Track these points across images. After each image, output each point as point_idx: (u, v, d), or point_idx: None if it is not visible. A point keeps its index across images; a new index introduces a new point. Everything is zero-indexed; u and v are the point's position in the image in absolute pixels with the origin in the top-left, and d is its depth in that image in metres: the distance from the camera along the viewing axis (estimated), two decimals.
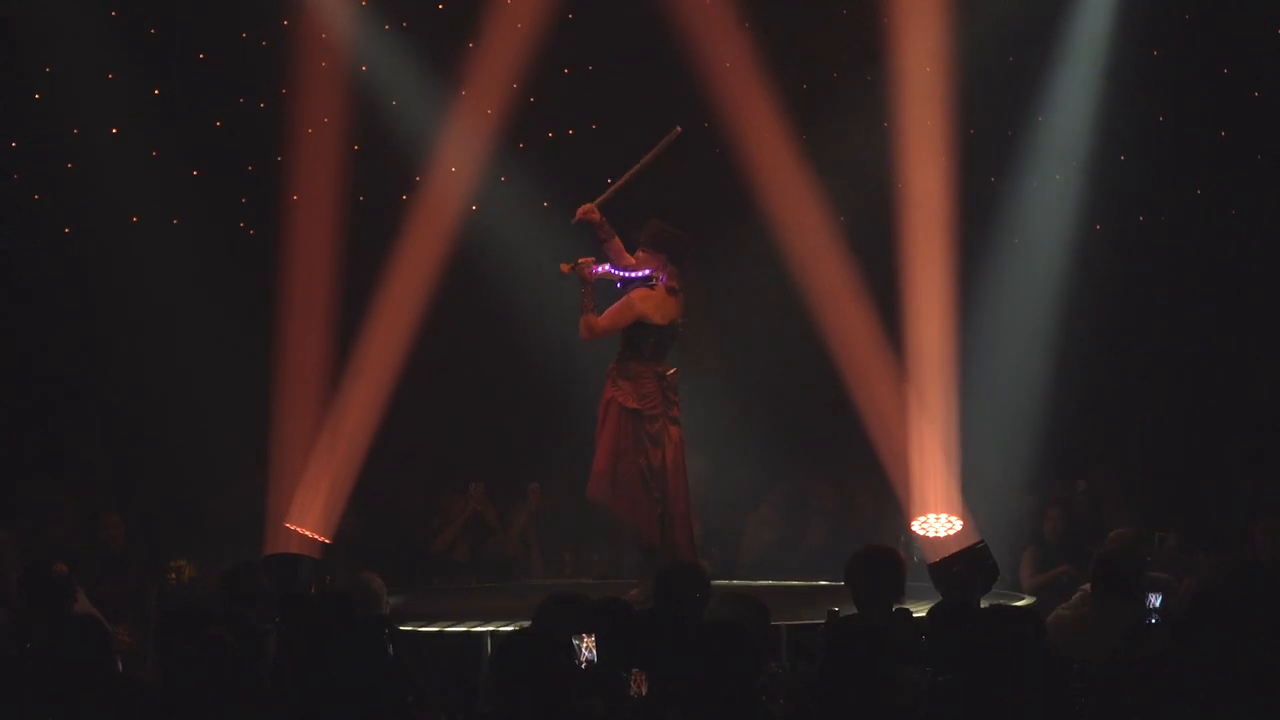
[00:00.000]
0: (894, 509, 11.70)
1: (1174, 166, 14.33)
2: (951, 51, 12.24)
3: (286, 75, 12.81)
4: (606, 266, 10.08)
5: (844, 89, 13.48)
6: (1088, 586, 8.26)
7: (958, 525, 10.78)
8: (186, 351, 13.26)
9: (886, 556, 7.30)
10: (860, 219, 13.14)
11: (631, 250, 10.11)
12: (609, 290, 10.16)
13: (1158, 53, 14.14)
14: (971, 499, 11.49)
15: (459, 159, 13.13)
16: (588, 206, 10.00)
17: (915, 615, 7.03)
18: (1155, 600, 7.13)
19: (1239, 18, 14.01)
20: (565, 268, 10.02)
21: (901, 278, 11.84)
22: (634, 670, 5.93)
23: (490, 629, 8.99)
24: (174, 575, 10.87)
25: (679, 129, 10.17)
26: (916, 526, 10.92)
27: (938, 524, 10.80)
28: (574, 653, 6.06)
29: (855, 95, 13.31)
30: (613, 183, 10.12)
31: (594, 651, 6.17)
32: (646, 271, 10.04)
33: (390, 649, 6.13)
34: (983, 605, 7.33)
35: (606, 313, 10.04)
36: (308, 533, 10.77)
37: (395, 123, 13.30)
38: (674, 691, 5.72)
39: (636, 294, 10.02)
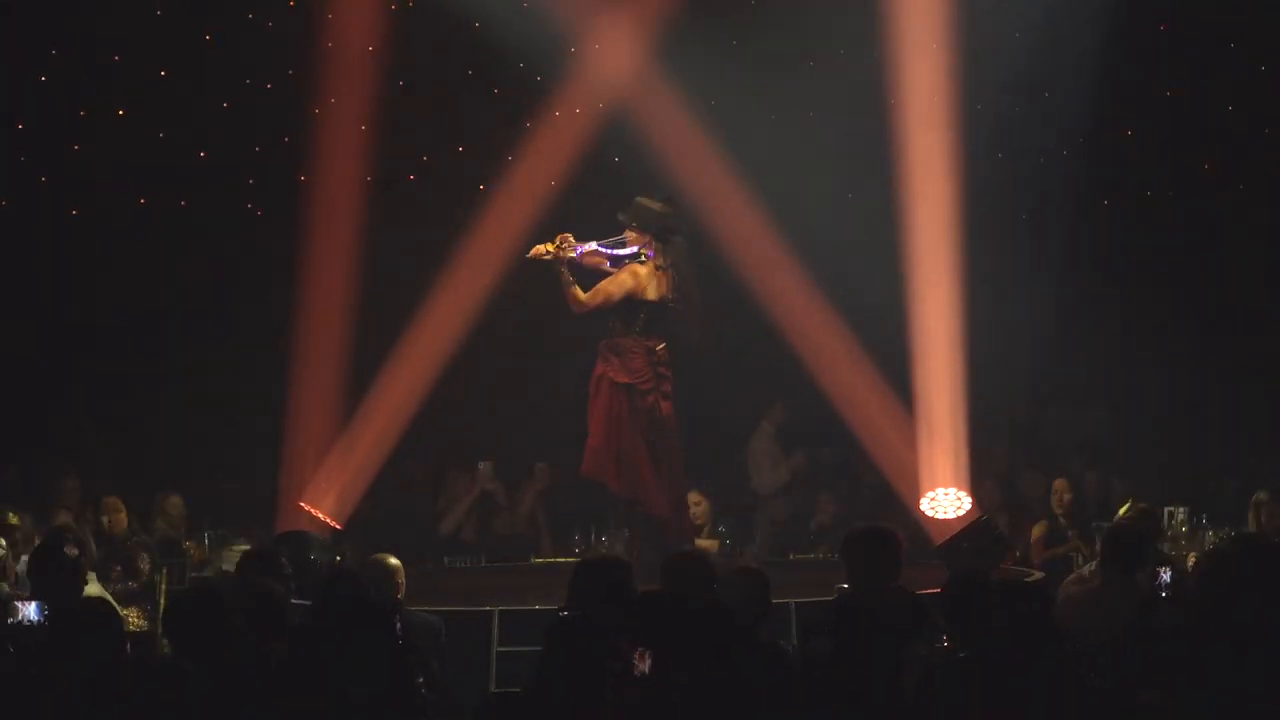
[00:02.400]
0: (903, 486, 11.70)
1: (1181, 141, 14.30)
2: (954, 26, 12.18)
3: (294, 56, 12.81)
4: (592, 245, 10.11)
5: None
6: (1094, 564, 8.26)
7: (967, 504, 10.78)
8: (198, 334, 13.28)
9: (881, 536, 7.29)
10: (865, 195, 13.09)
11: (619, 233, 10.17)
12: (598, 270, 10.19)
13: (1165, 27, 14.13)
14: (979, 475, 11.52)
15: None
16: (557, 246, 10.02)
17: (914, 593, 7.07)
18: (1165, 575, 7.11)
19: None
20: (550, 246, 10.03)
21: (906, 258, 11.82)
22: (638, 648, 5.93)
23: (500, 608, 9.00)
24: (185, 556, 10.90)
25: (663, 203, 10.19)
26: (925, 504, 10.92)
27: (946, 501, 10.80)
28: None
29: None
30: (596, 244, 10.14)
31: None
32: (635, 249, 10.10)
33: (400, 630, 6.15)
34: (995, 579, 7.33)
35: (597, 287, 10.09)
36: (320, 514, 10.78)
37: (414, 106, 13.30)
38: (678, 672, 5.72)
39: (627, 269, 10.12)
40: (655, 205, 10.22)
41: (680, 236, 10.27)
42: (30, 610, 6.86)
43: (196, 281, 13.42)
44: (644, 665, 5.80)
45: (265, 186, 13.58)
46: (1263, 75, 14.22)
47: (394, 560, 8.13)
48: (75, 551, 7.88)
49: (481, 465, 12.91)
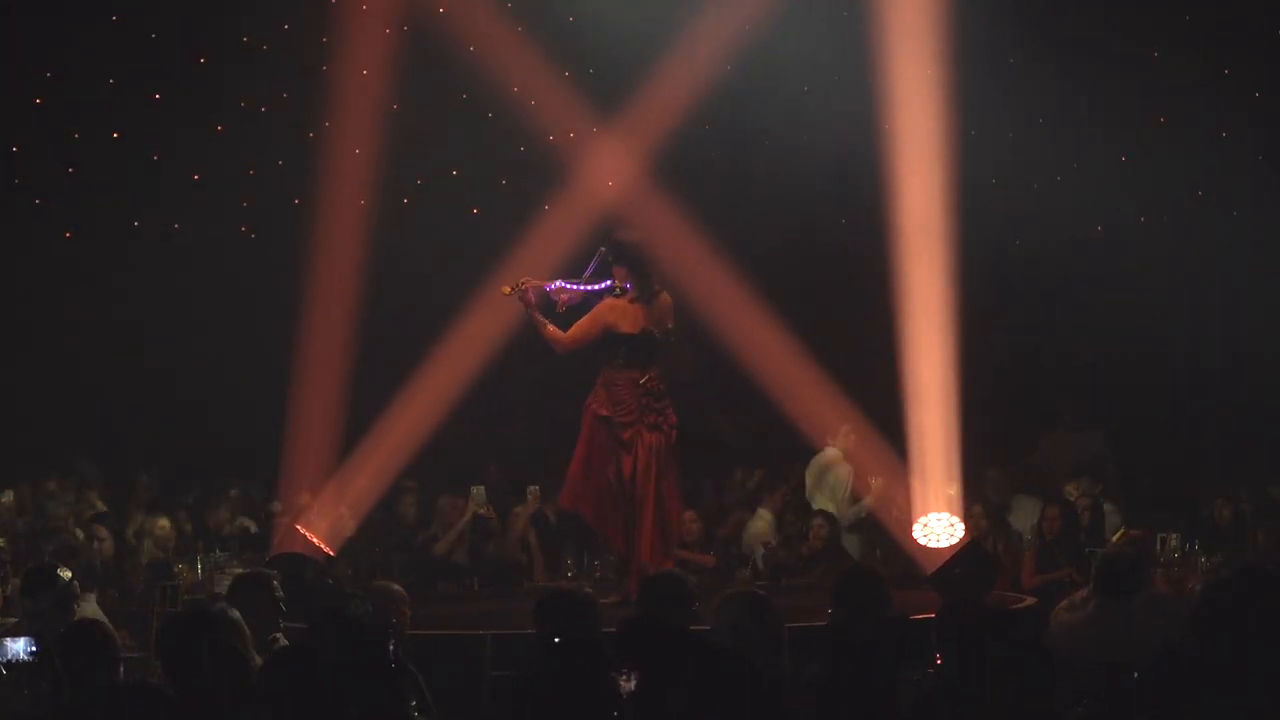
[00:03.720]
0: (896, 511, 11.69)
1: (1176, 168, 14.37)
2: (947, 52, 12.23)
3: (289, 80, 12.85)
4: (559, 283, 10.07)
5: None
6: (1087, 590, 8.26)
7: (960, 530, 10.76)
8: (193, 355, 13.29)
9: (868, 579, 7.32)
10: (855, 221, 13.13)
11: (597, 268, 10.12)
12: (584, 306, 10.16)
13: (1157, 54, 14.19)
14: (970, 500, 11.52)
15: None
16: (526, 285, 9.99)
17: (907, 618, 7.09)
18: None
19: (1241, 18, 14.04)
20: (506, 290, 10.02)
21: (897, 283, 11.85)
22: (622, 672, 5.94)
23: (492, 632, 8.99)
24: (177, 580, 10.87)
25: (604, 249, 10.10)
26: (918, 530, 10.89)
27: (939, 527, 10.77)
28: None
29: None
30: (560, 283, 10.10)
31: None
32: (607, 283, 10.05)
33: (393, 654, 6.14)
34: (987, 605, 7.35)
35: (576, 326, 10.05)
36: (314, 538, 10.78)
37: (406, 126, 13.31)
38: (670, 695, 5.72)
39: (603, 305, 10.05)
40: (630, 238, 10.18)
41: (659, 266, 10.23)
42: (19, 647, 6.83)
43: (191, 304, 13.42)
44: (629, 685, 5.81)
45: (260, 209, 13.59)
46: None
47: (397, 587, 8.20)
48: (68, 574, 7.84)
49: (474, 489, 12.90)
